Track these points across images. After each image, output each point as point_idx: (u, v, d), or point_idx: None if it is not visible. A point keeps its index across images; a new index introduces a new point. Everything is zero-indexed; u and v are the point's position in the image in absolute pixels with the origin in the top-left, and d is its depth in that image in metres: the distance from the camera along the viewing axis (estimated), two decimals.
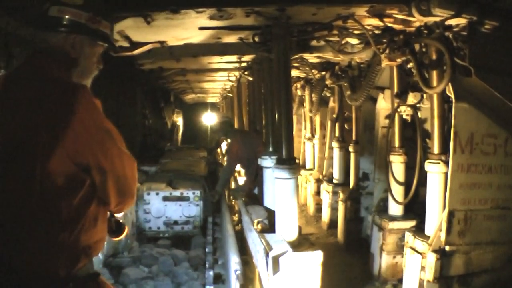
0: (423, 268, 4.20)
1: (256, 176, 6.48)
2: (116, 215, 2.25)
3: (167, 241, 6.85)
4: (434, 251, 4.07)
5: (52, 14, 1.94)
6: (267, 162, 5.10)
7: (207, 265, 5.56)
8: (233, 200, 7.91)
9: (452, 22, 3.69)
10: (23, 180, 1.78)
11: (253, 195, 6.55)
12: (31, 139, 1.77)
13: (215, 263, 5.65)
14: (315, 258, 3.78)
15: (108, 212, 2.12)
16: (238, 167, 8.35)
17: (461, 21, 3.64)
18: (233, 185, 8.93)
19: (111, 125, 1.93)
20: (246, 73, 7.06)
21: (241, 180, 8.36)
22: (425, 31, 3.96)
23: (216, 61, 6.85)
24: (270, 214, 4.64)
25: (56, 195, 1.80)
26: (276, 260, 3.68)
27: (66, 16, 1.95)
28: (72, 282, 1.88)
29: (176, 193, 7.13)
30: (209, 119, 14.34)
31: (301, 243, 4.08)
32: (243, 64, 6.83)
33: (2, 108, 1.87)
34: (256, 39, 4.45)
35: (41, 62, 1.94)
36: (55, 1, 1.95)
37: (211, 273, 5.24)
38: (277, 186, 4.12)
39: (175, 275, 5.43)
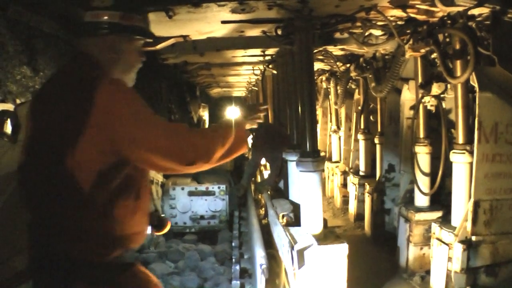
0: (450, 259, 4.19)
1: (281, 169, 6.51)
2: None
3: (193, 236, 6.95)
4: (461, 241, 4.06)
5: (87, 20, 2.03)
6: (291, 155, 5.13)
7: (233, 260, 5.61)
8: (260, 194, 7.96)
9: (475, 11, 3.66)
10: (58, 171, 1.85)
11: (278, 188, 6.57)
12: (65, 132, 1.85)
13: (241, 258, 5.70)
14: (340, 250, 3.79)
15: (152, 206, 2.14)
16: (263, 161, 8.39)
17: (484, 10, 3.61)
18: (259, 179, 8.97)
19: (145, 108, 1.97)
20: (270, 66, 7.07)
21: (266, 173, 8.39)
22: (449, 21, 3.93)
23: (240, 54, 6.86)
24: (295, 207, 4.65)
25: (89, 186, 1.86)
26: (301, 253, 3.71)
27: (101, 20, 2.03)
28: (106, 270, 1.95)
29: (202, 187, 7.22)
30: (232, 113, 14.38)
31: (326, 236, 4.07)
32: (267, 58, 6.84)
33: (46, 108, 1.95)
34: (279, 32, 4.45)
35: (82, 64, 2.02)
36: (87, 7, 2.02)
37: (237, 267, 5.29)
38: (302, 179, 4.13)
39: (201, 270, 5.50)
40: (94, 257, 1.92)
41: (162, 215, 2.45)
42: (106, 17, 2.03)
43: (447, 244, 4.25)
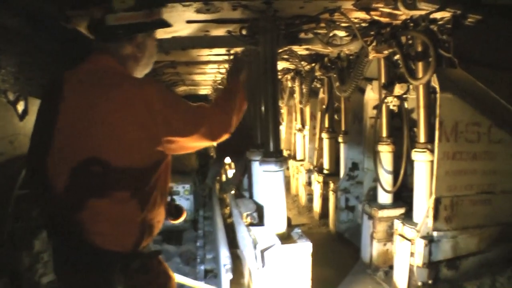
0: (412, 254, 4.31)
1: (245, 168, 6.50)
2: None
3: (158, 236, 6.83)
4: (423, 237, 4.19)
5: (110, 24, 1.99)
6: (255, 155, 5.14)
7: (198, 260, 5.60)
8: (224, 193, 7.94)
9: (437, 15, 3.77)
10: (103, 168, 1.89)
11: (241, 188, 6.55)
12: (109, 132, 1.90)
13: (206, 258, 5.70)
14: (304, 249, 3.83)
15: (169, 197, 2.33)
16: (228, 160, 8.38)
17: (446, 14, 3.72)
18: (224, 178, 8.95)
19: (179, 100, 2.08)
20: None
21: (231, 173, 8.38)
22: (411, 24, 4.04)
23: (205, 53, 6.81)
24: (259, 207, 4.66)
25: (135, 181, 1.96)
26: (264, 253, 3.73)
27: (127, 22, 2.01)
28: (139, 258, 2.03)
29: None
30: None
31: (290, 235, 4.11)
32: (232, 57, 6.83)
33: (74, 103, 1.94)
34: (244, 32, 4.45)
35: (109, 64, 2.04)
36: (109, 10, 1.98)
37: (202, 267, 5.29)
38: (265, 179, 4.17)
39: None
40: (129, 247, 2.00)
41: (177, 204, 2.55)
42: (130, 19, 2.01)
43: (409, 240, 4.37)
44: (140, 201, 1.98)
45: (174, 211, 2.55)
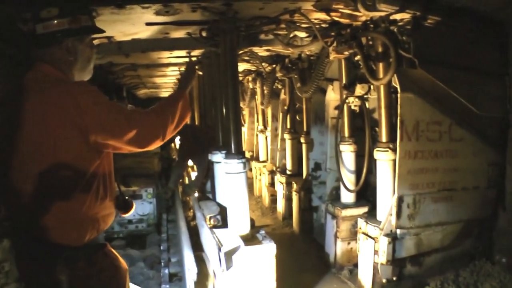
0: (376, 252, 4.37)
1: (208, 170, 6.46)
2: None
3: (122, 241, 6.72)
4: (386, 235, 4.24)
5: (40, 32, 2.16)
6: (217, 157, 5.10)
7: (162, 264, 5.53)
8: (187, 196, 7.87)
9: (397, 16, 3.85)
10: (42, 160, 2.04)
11: (204, 190, 6.52)
12: (47, 132, 2.03)
13: (170, 261, 5.63)
14: (268, 250, 3.84)
15: (117, 190, 2.48)
16: (190, 163, 8.32)
17: (405, 16, 3.81)
18: (186, 180, 8.88)
19: (110, 102, 2.18)
20: (196, 67, 7.00)
21: (194, 175, 8.32)
22: (371, 25, 4.10)
23: (165, 56, 6.76)
24: (222, 209, 4.63)
25: (70, 177, 2.08)
26: (228, 255, 3.73)
27: (52, 30, 2.16)
28: (83, 251, 2.16)
29: (129, 191, 7.02)
30: None
31: (254, 237, 4.09)
32: (193, 59, 6.77)
33: (24, 109, 2.07)
34: (204, 34, 4.43)
35: (46, 70, 2.19)
36: (37, 20, 2.15)
37: (167, 271, 5.22)
38: (228, 180, 4.16)
39: (130, 276, 5.34)
40: (73, 241, 2.13)
41: (126, 198, 2.63)
42: (56, 26, 2.16)
43: (373, 238, 4.42)
44: (80, 197, 2.11)
45: (123, 204, 2.62)
